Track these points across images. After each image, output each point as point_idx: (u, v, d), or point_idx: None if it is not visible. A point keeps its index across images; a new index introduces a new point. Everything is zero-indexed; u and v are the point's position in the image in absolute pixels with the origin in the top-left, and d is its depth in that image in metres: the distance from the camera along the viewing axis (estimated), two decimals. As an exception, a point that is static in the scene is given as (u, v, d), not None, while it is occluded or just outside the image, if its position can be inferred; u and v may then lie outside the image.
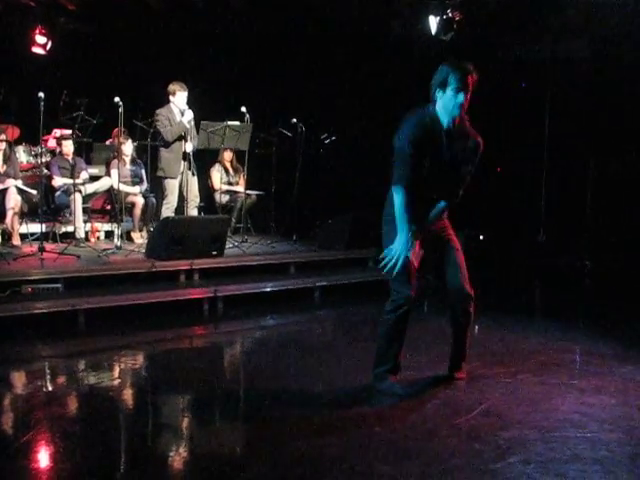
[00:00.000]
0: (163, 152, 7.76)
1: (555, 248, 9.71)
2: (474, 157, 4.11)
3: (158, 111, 7.69)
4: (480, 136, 4.13)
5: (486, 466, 3.25)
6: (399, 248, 3.98)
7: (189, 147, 7.72)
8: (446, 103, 3.95)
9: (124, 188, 8.15)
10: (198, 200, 8.04)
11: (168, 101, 7.74)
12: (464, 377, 4.56)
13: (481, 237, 9.48)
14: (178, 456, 3.46)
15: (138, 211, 8.33)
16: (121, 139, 8.12)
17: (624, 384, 4.58)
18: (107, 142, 9.58)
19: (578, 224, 9.68)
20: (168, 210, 7.79)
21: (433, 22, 8.71)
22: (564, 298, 8.19)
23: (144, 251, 7.30)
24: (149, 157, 8.11)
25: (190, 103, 7.78)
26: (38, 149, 8.47)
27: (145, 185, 8.57)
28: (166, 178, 7.77)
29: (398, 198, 3.98)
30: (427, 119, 4.01)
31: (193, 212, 7.87)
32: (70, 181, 7.94)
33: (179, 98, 7.68)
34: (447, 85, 3.92)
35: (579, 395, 4.32)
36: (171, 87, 7.73)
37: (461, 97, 3.91)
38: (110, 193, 8.49)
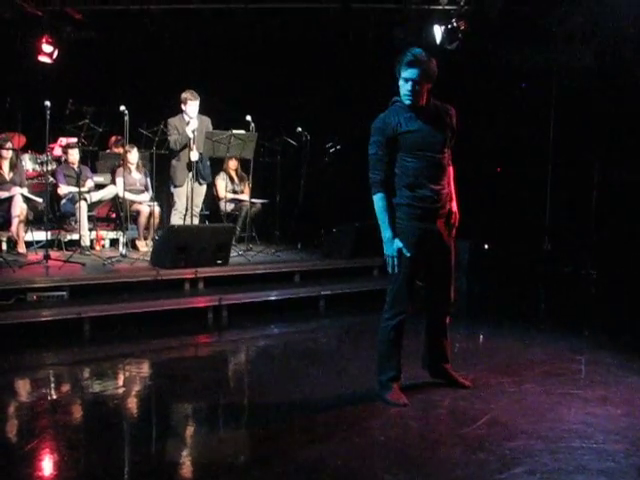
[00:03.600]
0: (172, 160, 7.88)
1: (560, 257, 9.69)
2: (451, 123, 4.22)
3: (169, 120, 7.80)
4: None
5: (491, 476, 3.24)
6: (387, 250, 4.12)
7: (194, 156, 7.75)
8: (401, 91, 4.11)
9: (129, 196, 8.17)
10: (198, 209, 8.07)
11: (181, 110, 7.80)
12: (469, 384, 4.56)
13: (486, 246, 9.46)
14: (183, 465, 3.46)
15: (143, 219, 8.35)
16: (126, 147, 8.15)
17: (630, 394, 4.56)
18: (107, 151, 9.58)
19: (583, 232, 9.66)
20: (175, 217, 7.87)
21: (438, 31, 8.72)
22: (569, 307, 8.17)
23: (149, 259, 7.31)
24: (154, 165, 8.14)
25: (203, 111, 7.84)
26: (44, 157, 8.50)
27: (150, 193, 8.60)
28: (174, 186, 7.87)
29: (377, 205, 4.12)
30: (393, 111, 4.14)
31: (193, 221, 7.88)
32: (75, 189, 7.97)
33: (190, 107, 7.76)
34: (399, 74, 4.08)
35: (584, 405, 4.30)
36: (182, 96, 7.80)
37: (409, 86, 4.05)
38: (115, 201, 8.52)
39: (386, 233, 4.11)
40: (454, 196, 4.35)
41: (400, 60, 4.06)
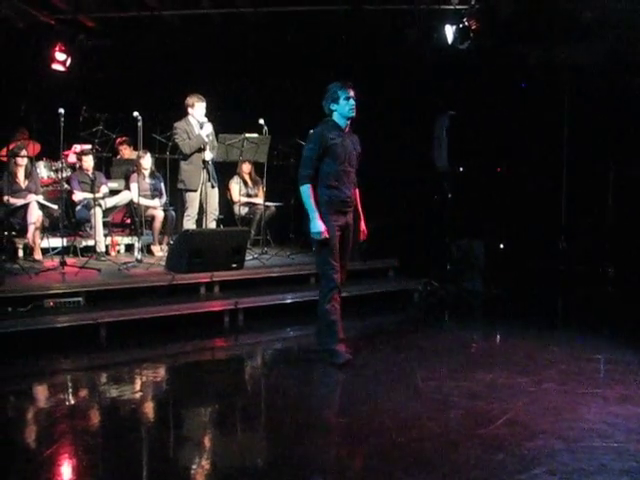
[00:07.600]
0: (183, 164, 7.79)
1: (576, 255, 9.62)
2: (359, 149, 5.39)
3: (176, 124, 7.71)
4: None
5: (511, 477, 3.22)
6: (314, 230, 5.04)
7: (208, 156, 7.70)
8: (341, 110, 5.17)
9: (144, 202, 8.19)
10: (217, 213, 8.04)
11: (186, 114, 7.77)
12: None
13: (501, 246, 9.40)
14: (200, 469, 3.46)
15: (158, 224, 8.37)
16: (140, 153, 8.18)
17: (650, 392, 4.52)
18: (118, 156, 9.59)
19: (599, 230, 9.58)
20: (189, 222, 7.81)
21: (449, 31, 8.69)
22: (586, 305, 8.10)
23: (164, 264, 7.33)
24: (168, 170, 8.15)
25: (208, 116, 7.81)
26: (58, 164, 8.53)
27: (165, 198, 8.62)
28: (187, 191, 7.80)
29: (305, 193, 5.12)
30: (327, 127, 5.18)
31: (211, 225, 7.88)
32: (90, 195, 8.01)
33: (198, 110, 7.70)
34: (339, 98, 5.15)
35: (604, 404, 4.27)
36: (189, 100, 7.75)
37: (352, 102, 5.16)
38: (130, 207, 8.55)
39: (313, 214, 5.06)
40: (359, 202, 5.55)
41: (334, 89, 5.16)
